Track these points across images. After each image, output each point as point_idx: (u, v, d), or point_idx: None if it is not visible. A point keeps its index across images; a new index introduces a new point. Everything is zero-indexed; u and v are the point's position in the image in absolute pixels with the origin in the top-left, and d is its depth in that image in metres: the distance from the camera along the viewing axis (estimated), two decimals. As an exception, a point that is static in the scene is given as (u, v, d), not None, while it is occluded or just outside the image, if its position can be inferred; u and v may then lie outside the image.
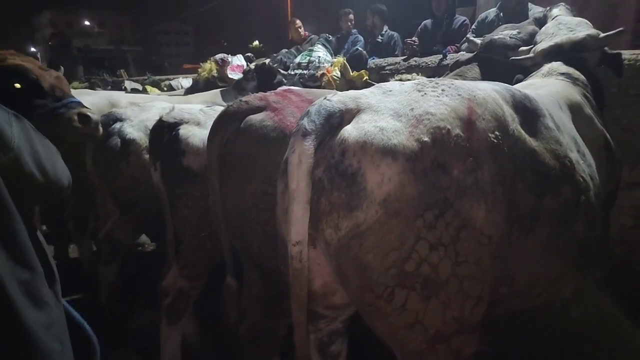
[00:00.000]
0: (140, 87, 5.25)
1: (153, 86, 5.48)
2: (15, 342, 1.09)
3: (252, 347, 1.91)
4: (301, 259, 1.27)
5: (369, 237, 1.19)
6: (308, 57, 4.06)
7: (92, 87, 5.75)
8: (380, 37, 5.53)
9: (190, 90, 4.68)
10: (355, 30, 5.92)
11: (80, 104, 2.61)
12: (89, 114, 2.56)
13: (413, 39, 4.29)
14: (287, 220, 1.27)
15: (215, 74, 4.48)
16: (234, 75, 4.29)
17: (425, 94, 1.33)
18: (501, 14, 4.12)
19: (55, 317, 1.22)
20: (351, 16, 5.92)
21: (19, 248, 1.13)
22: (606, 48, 2.37)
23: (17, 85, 2.44)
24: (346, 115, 1.29)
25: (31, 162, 1.14)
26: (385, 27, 5.62)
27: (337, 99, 1.33)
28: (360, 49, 4.34)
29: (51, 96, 2.54)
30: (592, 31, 2.31)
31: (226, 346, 2.16)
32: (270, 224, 1.69)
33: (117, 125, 2.88)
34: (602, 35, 2.28)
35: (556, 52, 2.31)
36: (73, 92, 3.95)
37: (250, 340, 1.91)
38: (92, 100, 3.75)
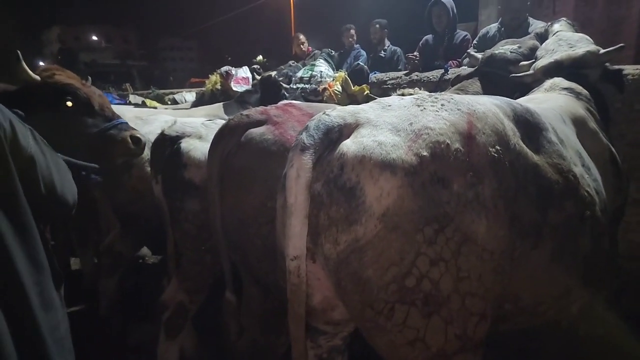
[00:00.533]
0: (140, 101, 5.30)
1: (156, 100, 5.52)
2: (28, 342, 1.12)
3: (251, 364, 1.88)
4: (299, 273, 1.25)
5: (368, 252, 1.18)
6: (310, 72, 4.10)
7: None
8: (383, 52, 5.56)
9: (196, 104, 4.72)
10: (357, 45, 5.96)
11: (128, 125, 2.64)
12: (139, 136, 2.60)
13: (414, 53, 4.31)
14: (285, 234, 1.26)
15: (219, 87, 4.52)
16: (238, 87, 4.32)
17: (424, 108, 1.33)
18: (502, 29, 4.15)
19: (60, 320, 1.25)
20: (352, 31, 5.96)
21: (34, 249, 1.18)
22: (607, 64, 2.37)
23: (69, 104, 2.45)
24: (345, 130, 1.29)
25: (41, 174, 1.20)
26: (387, 42, 5.66)
27: (335, 113, 1.33)
28: (361, 63, 4.37)
29: (101, 116, 2.57)
30: (592, 47, 2.31)
31: (224, 362, 2.13)
32: (270, 238, 1.68)
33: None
34: (602, 51, 2.28)
35: (556, 69, 2.31)
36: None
37: (250, 356, 1.88)
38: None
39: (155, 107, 4.69)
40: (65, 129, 2.43)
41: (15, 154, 1.11)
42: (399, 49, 5.49)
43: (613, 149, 1.95)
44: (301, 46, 6.00)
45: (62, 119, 2.43)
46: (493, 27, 4.30)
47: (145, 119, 3.17)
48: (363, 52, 5.79)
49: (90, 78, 2.97)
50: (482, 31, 4.40)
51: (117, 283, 3.13)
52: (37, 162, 1.18)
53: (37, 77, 2.41)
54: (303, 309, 1.28)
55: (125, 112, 3.82)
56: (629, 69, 3.07)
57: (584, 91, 2.17)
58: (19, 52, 2.33)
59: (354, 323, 1.47)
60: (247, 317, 1.92)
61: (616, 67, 2.44)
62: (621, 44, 2.31)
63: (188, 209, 2.24)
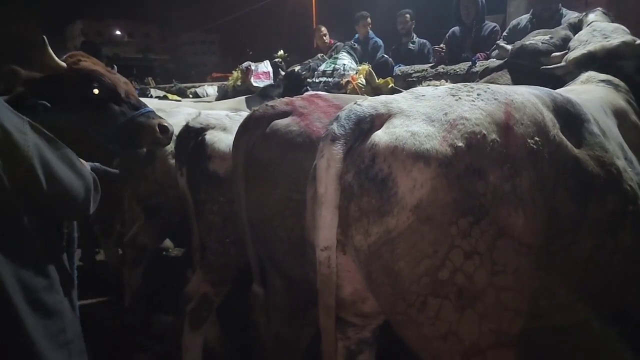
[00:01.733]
0: (161, 94, 5.36)
1: (178, 94, 5.58)
2: (16, 352, 1.10)
3: (275, 355, 1.88)
4: (329, 264, 1.24)
5: (400, 244, 1.16)
6: (333, 65, 4.06)
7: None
8: (411, 43, 5.40)
9: (219, 99, 4.75)
10: (372, 33, 5.76)
11: (155, 113, 2.61)
12: (167, 125, 2.56)
13: (441, 45, 4.23)
14: (316, 225, 1.25)
15: (239, 83, 4.54)
16: (259, 82, 4.33)
17: (459, 98, 1.29)
18: (534, 19, 4.01)
19: (67, 324, 1.23)
20: (368, 19, 5.76)
21: (29, 256, 1.14)
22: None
23: (96, 91, 2.42)
24: (377, 120, 1.27)
25: (43, 171, 1.13)
26: (414, 34, 5.50)
27: (367, 103, 1.31)
28: (385, 56, 4.31)
29: (127, 103, 2.53)
30: (628, 38, 2.22)
31: (249, 353, 2.13)
32: (295, 231, 1.67)
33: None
34: (638, 41, 2.19)
35: (589, 61, 2.23)
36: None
37: (274, 348, 1.88)
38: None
39: (179, 100, 4.73)
40: (92, 116, 2.40)
41: (7, 154, 1.05)
42: (427, 42, 5.32)
43: (656, 143, 1.87)
44: (324, 38, 5.93)
45: (88, 106, 2.40)
46: (524, 18, 4.16)
47: (169, 111, 3.19)
48: (380, 42, 5.63)
49: (115, 67, 2.96)
50: (513, 22, 4.26)
51: (142, 274, 3.18)
52: (36, 160, 1.10)
53: (63, 64, 2.38)
54: (333, 299, 1.27)
55: (147, 104, 3.88)
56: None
57: (622, 83, 2.08)
58: (44, 37, 2.29)
59: (383, 316, 1.45)
60: (271, 309, 1.92)
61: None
62: None
63: (213, 201, 2.25)
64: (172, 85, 6.58)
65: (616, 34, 2.29)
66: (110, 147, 2.47)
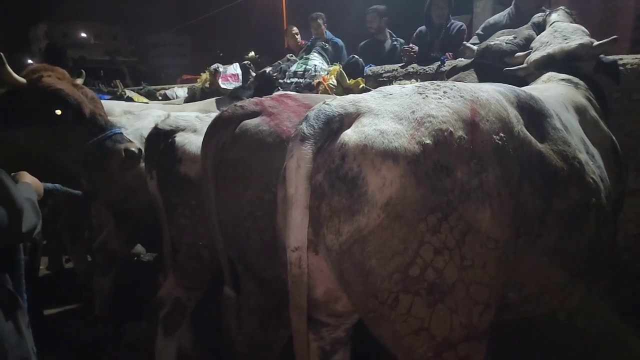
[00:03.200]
0: (132, 95, 5.23)
1: (147, 96, 5.45)
2: None
3: (250, 359, 1.85)
4: (300, 265, 1.24)
5: (371, 242, 1.17)
6: (304, 66, 4.05)
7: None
8: (386, 43, 5.23)
9: (188, 101, 4.67)
10: (330, 34, 5.51)
11: (122, 136, 2.41)
12: (134, 149, 2.36)
13: (411, 45, 4.27)
14: (286, 226, 1.24)
15: (208, 85, 4.47)
16: (227, 85, 4.27)
17: (426, 96, 1.31)
18: (514, 11, 4.00)
19: (8, 348, 1.21)
20: (320, 21, 5.49)
21: None
22: (602, 56, 2.35)
23: (58, 112, 2.21)
24: (346, 119, 1.28)
25: None
26: (388, 33, 5.31)
27: (336, 103, 1.31)
28: (356, 56, 4.32)
29: (93, 124, 2.32)
30: (585, 40, 2.29)
31: (223, 358, 2.10)
32: (267, 232, 1.66)
33: (113, 133, 2.83)
34: (595, 43, 2.27)
35: (549, 62, 2.29)
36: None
37: (248, 352, 1.86)
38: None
39: (147, 103, 4.62)
40: (53, 137, 2.22)
41: None
42: (400, 41, 5.18)
43: (614, 138, 1.95)
44: (295, 37, 5.85)
45: (50, 126, 2.22)
46: (502, 15, 4.13)
47: (137, 113, 3.11)
48: (340, 42, 5.39)
49: (84, 72, 2.82)
50: (488, 20, 4.27)
51: (112, 281, 3.08)
52: None
53: (23, 80, 2.18)
54: (305, 300, 1.27)
55: (115, 107, 3.77)
56: (627, 59, 3.06)
57: (581, 81, 2.16)
58: (1, 55, 2.08)
59: (357, 315, 1.45)
60: (245, 312, 1.89)
61: (611, 58, 2.43)
62: (614, 37, 2.29)
63: (184, 204, 2.21)
64: (141, 87, 6.42)
65: (575, 35, 2.36)
66: (73, 168, 2.31)
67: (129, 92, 5.38)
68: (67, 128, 2.27)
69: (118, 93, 5.11)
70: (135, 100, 4.88)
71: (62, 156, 2.22)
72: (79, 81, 2.53)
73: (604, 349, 2.28)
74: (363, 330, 1.38)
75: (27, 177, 1.55)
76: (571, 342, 2.26)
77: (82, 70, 2.86)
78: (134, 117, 3.05)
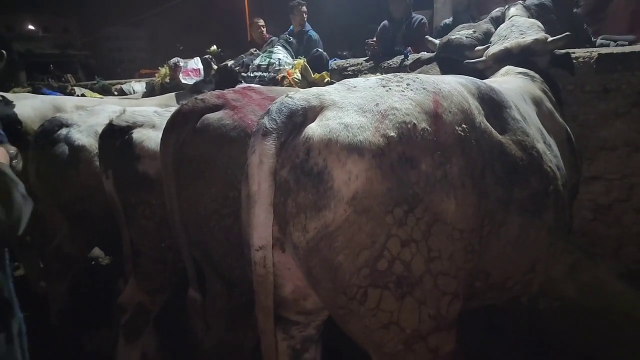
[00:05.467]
0: (82, 92, 4.96)
1: (101, 92, 5.17)
2: None
3: (219, 362, 1.80)
4: (265, 264, 1.20)
5: (338, 237, 1.15)
6: (268, 59, 3.99)
7: (35, 92, 5.39)
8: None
9: (146, 96, 4.49)
10: (308, 25, 5.38)
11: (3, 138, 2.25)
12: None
13: (373, 39, 4.30)
14: (250, 224, 1.20)
15: (168, 80, 4.32)
16: (188, 80, 4.14)
17: (389, 89, 1.30)
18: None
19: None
20: (304, 8, 5.33)
21: None
22: (556, 50, 2.43)
23: None
24: (309, 113, 1.25)
25: None
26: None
27: (299, 96, 1.28)
28: (320, 50, 4.29)
29: None
30: (540, 35, 2.36)
31: (191, 362, 2.04)
32: (233, 230, 1.61)
33: (64, 131, 2.69)
34: (550, 39, 2.35)
35: (506, 56, 2.36)
36: (14, 96, 3.68)
37: (217, 354, 1.81)
38: (34, 104, 3.50)
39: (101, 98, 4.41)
40: None
41: None
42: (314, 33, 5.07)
43: (568, 129, 2.03)
44: (260, 30, 5.71)
45: None
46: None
47: (90, 109, 2.95)
48: (316, 35, 5.29)
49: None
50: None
51: (68, 288, 2.93)
52: None
53: None
54: (271, 300, 1.24)
55: (67, 102, 3.57)
56: (579, 52, 3.20)
57: (537, 75, 2.23)
58: None
59: (327, 311, 1.43)
60: (212, 314, 1.84)
61: (563, 51, 2.52)
62: (567, 33, 2.38)
63: (144, 204, 2.11)
64: (95, 82, 6.13)
65: (531, 31, 2.44)
66: None
67: (78, 90, 5.10)
68: None
69: (67, 90, 4.84)
70: (89, 96, 4.65)
71: None
72: None
73: (565, 328, 2.39)
74: (334, 326, 1.37)
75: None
76: (534, 324, 2.35)
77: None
78: (86, 113, 2.89)
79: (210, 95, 1.75)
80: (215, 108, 1.69)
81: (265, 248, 1.19)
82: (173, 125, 1.71)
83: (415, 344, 1.22)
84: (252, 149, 1.20)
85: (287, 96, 1.28)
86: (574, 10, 3.81)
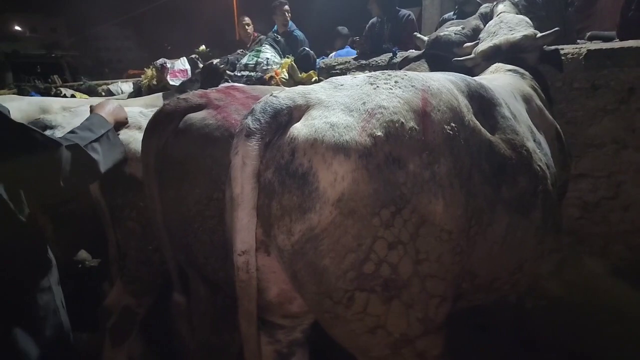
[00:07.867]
0: (69, 95, 4.86)
1: (88, 92, 5.09)
2: None
3: (205, 366, 1.77)
4: (248, 269, 1.17)
5: (324, 240, 1.12)
6: (255, 58, 3.93)
7: (21, 93, 5.29)
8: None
9: (133, 97, 4.41)
10: (292, 24, 5.28)
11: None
12: None
13: (358, 37, 4.28)
14: (233, 228, 1.16)
15: (155, 82, 4.25)
16: (175, 81, 4.08)
17: (377, 87, 1.27)
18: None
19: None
20: (286, 7, 5.24)
21: None
22: (545, 46, 2.43)
23: None
24: (295, 112, 1.22)
25: None
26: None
27: (284, 95, 1.25)
28: (307, 49, 4.24)
29: None
30: (529, 31, 2.35)
31: (178, 367, 2.00)
32: (217, 232, 1.57)
33: (48, 133, 2.62)
34: (539, 35, 2.33)
35: (495, 53, 2.34)
36: (0, 99, 3.59)
37: (203, 357, 1.77)
38: (20, 106, 3.41)
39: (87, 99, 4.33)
40: None
41: None
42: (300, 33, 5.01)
43: (558, 126, 2.01)
44: (247, 28, 5.62)
45: None
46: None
47: (74, 110, 2.88)
48: (301, 35, 5.20)
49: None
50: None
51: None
52: None
53: None
54: (254, 305, 1.20)
55: (53, 104, 3.50)
56: (567, 49, 3.20)
57: (527, 72, 2.22)
58: None
59: (313, 315, 1.41)
60: (197, 317, 1.80)
61: (552, 47, 2.52)
62: (556, 28, 2.37)
63: (131, 206, 2.08)
64: (81, 83, 6.02)
65: (520, 27, 2.42)
66: None
67: (67, 91, 5.00)
68: None
69: (52, 93, 4.74)
70: (76, 97, 4.56)
71: None
72: None
73: (552, 325, 2.39)
74: (321, 328, 1.34)
75: (104, 108, 1.96)
76: (520, 322, 2.35)
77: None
78: (71, 114, 2.82)
79: (192, 95, 1.71)
80: (198, 107, 1.64)
81: (248, 252, 1.16)
82: (155, 125, 1.67)
83: (403, 348, 1.20)
84: (235, 150, 1.16)
85: (271, 95, 1.25)
86: (569, 9, 3.81)
